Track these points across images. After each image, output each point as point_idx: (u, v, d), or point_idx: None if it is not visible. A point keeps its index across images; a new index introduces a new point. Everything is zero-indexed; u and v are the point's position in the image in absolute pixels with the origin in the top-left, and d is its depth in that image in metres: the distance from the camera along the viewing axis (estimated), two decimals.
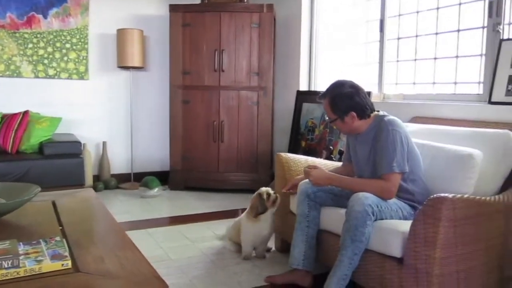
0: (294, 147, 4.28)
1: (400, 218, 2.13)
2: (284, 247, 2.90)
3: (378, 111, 2.29)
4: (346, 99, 2.20)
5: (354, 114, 2.21)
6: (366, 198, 2.02)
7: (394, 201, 2.14)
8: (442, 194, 1.79)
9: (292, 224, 2.59)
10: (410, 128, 2.83)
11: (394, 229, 1.96)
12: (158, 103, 4.94)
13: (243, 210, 2.83)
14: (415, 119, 3.02)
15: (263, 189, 2.71)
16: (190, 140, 4.53)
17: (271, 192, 2.69)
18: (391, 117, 2.22)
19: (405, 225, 1.95)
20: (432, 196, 1.79)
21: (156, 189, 4.36)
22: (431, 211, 1.77)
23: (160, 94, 4.92)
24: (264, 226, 2.71)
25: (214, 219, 3.61)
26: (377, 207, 2.04)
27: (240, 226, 2.77)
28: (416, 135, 2.57)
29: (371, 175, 2.22)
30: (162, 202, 4.22)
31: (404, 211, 2.15)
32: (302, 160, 2.86)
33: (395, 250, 1.94)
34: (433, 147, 2.37)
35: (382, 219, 2.07)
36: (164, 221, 3.63)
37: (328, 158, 3.71)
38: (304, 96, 4.27)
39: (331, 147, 3.83)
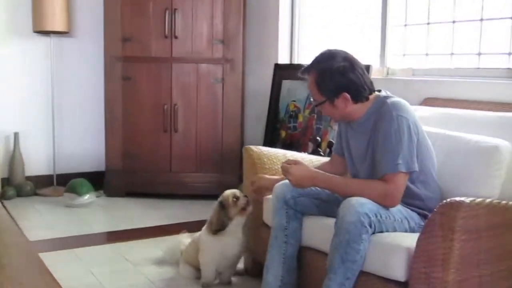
0: (271, 139, 4.28)
1: (406, 231, 2.15)
2: (256, 270, 2.89)
3: (379, 90, 2.31)
4: (337, 75, 2.20)
5: (348, 96, 2.21)
6: (361, 205, 2.03)
7: (398, 209, 2.16)
8: (458, 198, 1.80)
9: (266, 240, 2.58)
10: (420, 112, 2.85)
11: (396, 245, 1.97)
12: (90, 81, 4.86)
13: (204, 222, 2.82)
14: (427, 101, 3.04)
15: (228, 192, 2.69)
16: (133, 130, 4.49)
17: (240, 194, 2.67)
18: (396, 99, 2.22)
19: (411, 239, 1.96)
20: (444, 201, 1.81)
21: (87, 196, 4.31)
22: (443, 220, 1.78)
23: (92, 69, 4.84)
24: (232, 244, 2.70)
25: (164, 235, 3.58)
26: (376, 216, 2.05)
27: (199, 245, 2.76)
28: (428, 121, 2.59)
29: (369, 176, 2.23)
30: (95, 213, 4.17)
31: (411, 222, 2.17)
32: (280, 155, 2.86)
33: (398, 272, 1.95)
34: (449, 137, 2.39)
35: (382, 231, 2.08)
36: (97, 238, 3.59)
37: (315, 152, 3.73)
38: (284, 72, 4.27)
39: (318, 138, 3.84)
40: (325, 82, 2.22)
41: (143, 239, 3.52)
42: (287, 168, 2.27)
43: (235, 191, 2.68)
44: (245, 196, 2.67)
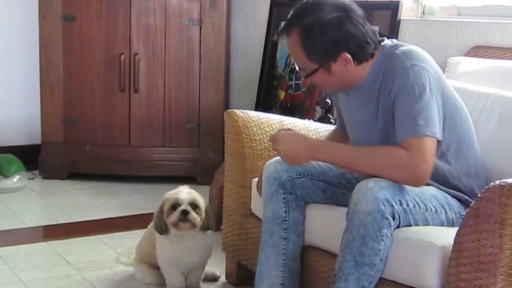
0: (265, 102, 4.28)
1: (442, 224, 2.16)
2: (242, 276, 2.92)
3: (383, 39, 2.29)
4: (330, 30, 2.18)
5: (348, 56, 2.20)
6: (381, 189, 2.03)
7: (432, 193, 2.17)
8: (511, 180, 1.80)
9: (254, 236, 2.60)
10: (465, 66, 2.85)
11: (427, 243, 1.98)
12: (18, 22, 4.84)
13: None
14: (476, 50, 3.05)
15: (171, 197, 2.66)
16: (77, 90, 4.49)
17: (182, 204, 2.61)
18: (408, 46, 2.22)
19: (447, 236, 1.98)
20: (492, 184, 1.81)
21: (15, 178, 4.33)
22: (490, 209, 1.78)
23: (20, 4, 4.82)
24: (189, 246, 2.72)
25: (119, 230, 3.59)
26: (401, 204, 2.06)
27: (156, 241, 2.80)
28: (477, 77, 2.61)
29: None
30: (27, 200, 4.18)
31: (449, 212, 2.19)
32: (275, 122, 2.86)
33: (430, 278, 1.96)
34: (504, 97, 2.40)
35: (410, 225, 2.09)
36: (29, 234, 3.59)
37: (324, 119, 3.71)
38: (284, 10, 4.22)
39: (328, 101, 3.82)
40: (315, 42, 2.20)
41: (90, 236, 3.52)
42: (276, 138, 2.27)
43: (179, 198, 2.64)
44: (185, 211, 2.60)
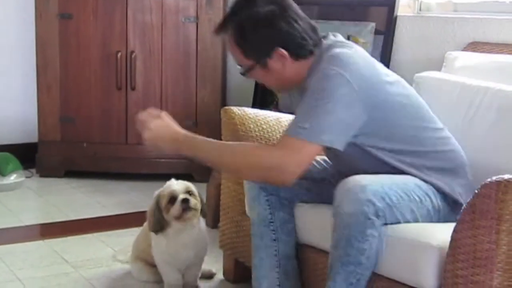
0: (263, 99, 4.28)
1: (429, 213, 2.14)
2: (240, 274, 2.92)
3: (325, 35, 2.25)
4: (262, 26, 2.17)
5: (284, 51, 2.18)
6: (363, 189, 2.01)
7: (416, 181, 2.16)
8: (507, 176, 1.79)
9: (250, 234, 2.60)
10: (462, 60, 2.85)
11: (424, 241, 1.99)
12: (14, 20, 4.83)
13: None
14: (472, 46, 3.05)
15: (166, 190, 2.66)
16: (74, 88, 4.49)
17: (180, 195, 2.62)
18: (338, 49, 2.16)
19: (443, 233, 1.97)
20: (489, 180, 1.81)
21: (13, 176, 4.33)
22: (487, 205, 1.78)
23: (16, 2, 4.81)
24: (184, 244, 2.71)
25: (116, 228, 3.60)
26: (384, 200, 2.03)
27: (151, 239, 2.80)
28: (474, 71, 2.62)
29: (350, 165, 2.21)
30: (24, 198, 4.17)
31: (436, 199, 2.17)
32: (272, 119, 2.85)
33: (427, 277, 1.97)
34: (501, 92, 2.41)
35: (397, 219, 2.08)
36: (26, 232, 3.60)
37: None
38: None
39: None
40: (248, 39, 2.19)
41: (87, 234, 3.52)
42: (146, 120, 2.27)
43: (175, 190, 2.64)
44: (185, 199, 2.61)
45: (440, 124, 2.29)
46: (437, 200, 2.17)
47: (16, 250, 3.30)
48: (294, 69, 2.21)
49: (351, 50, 2.16)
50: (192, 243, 2.74)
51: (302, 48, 2.19)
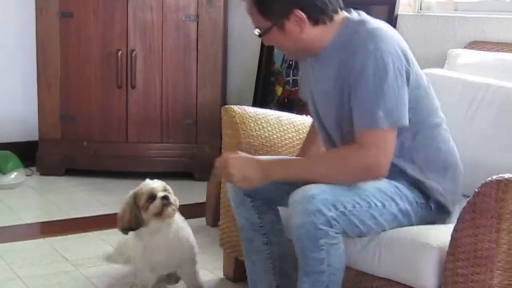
0: (263, 97, 4.27)
1: (395, 217, 2.11)
2: (240, 272, 2.91)
3: (349, 10, 2.22)
4: None
5: (302, 13, 2.12)
6: (310, 199, 1.98)
7: (378, 185, 2.10)
8: (507, 175, 1.80)
9: None
10: (463, 59, 2.85)
11: (423, 241, 1.99)
12: (15, 18, 4.83)
13: None
14: (473, 45, 3.06)
15: (144, 188, 2.66)
16: (75, 86, 4.49)
17: (159, 193, 2.61)
18: (374, 24, 2.14)
19: (443, 232, 1.98)
20: (489, 179, 1.81)
21: (13, 175, 4.33)
22: (487, 204, 1.79)
23: (17, 1, 4.81)
24: (159, 244, 2.66)
25: (115, 226, 3.53)
26: (336, 209, 1.99)
27: None
28: (476, 69, 2.62)
29: (341, 136, 2.17)
30: (25, 197, 4.18)
31: (403, 202, 2.11)
32: (273, 118, 2.85)
33: (427, 276, 1.97)
34: (503, 88, 2.41)
35: (355, 226, 2.04)
36: (26, 230, 3.60)
37: None
38: None
39: None
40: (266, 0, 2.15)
41: (87, 232, 3.53)
42: (224, 163, 2.17)
43: (154, 188, 2.64)
44: (165, 196, 2.61)
45: (445, 125, 2.26)
46: (404, 203, 2.12)
47: (16, 248, 3.30)
48: (312, 35, 2.15)
49: (381, 26, 2.13)
50: (168, 243, 2.68)
51: (322, 12, 2.13)
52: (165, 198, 2.60)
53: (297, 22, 2.13)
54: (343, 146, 2.12)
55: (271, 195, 2.33)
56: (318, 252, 2.00)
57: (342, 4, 2.19)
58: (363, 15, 2.19)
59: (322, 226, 1.97)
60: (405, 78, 2.06)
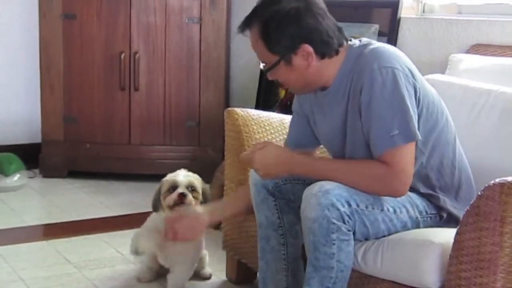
0: (266, 100, 4.27)
1: (405, 224, 2.15)
2: (243, 275, 2.92)
3: (350, 39, 2.25)
4: (288, 22, 2.14)
5: (309, 48, 2.15)
6: (325, 194, 2.01)
7: None
8: (511, 178, 1.79)
9: (255, 236, 2.57)
10: (466, 63, 2.85)
11: (426, 242, 1.99)
12: (18, 20, 4.83)
13: None
14: (476, 48, 3.05)
15: (171, 178, 2.70)
16: (78, 88, 4.49)
17: (180, 186, 2.66)
18: (376, 44, 2.17)
19: (445, 234, 1.98)
20: (492, 182, 1.81)
21: (16, 177, 4.33)
22: (490, 207, 1.79)
23: (21, 3, 4.81)
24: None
25: (119, 229, 3.60)
26: (350, 205, 2.03)
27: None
28: (478, 74, 2.62)
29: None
30: (27, 199, 4.18)
31: (414, 211, 2.16)
32: (275, 121, 2.86)
33: (429, 277, 1.97)
34: (505, 94, 2.41)
35: (366, 225, 2.08)
36: (29, 232, 3.60)
37: None
38: None
39: None
40: (274, 34, 2.16)
41: (90, 235, 3.53)
42: (249, 156, 2.23)
43: (177, 181, 2.68)
44: (183, 194, 2.63)
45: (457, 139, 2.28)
46: (415, 212, 2.17)
47: (19, 250, 3.31)
48: (318, 69, 2.18)
49: (382, 45, 2.16)
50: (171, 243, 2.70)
51: (328, 46, 2.16)
52: (183, 195, 2.65)
53: (304, 56, 2.16)
54: (370, 161, 2.12)
55: (295, 196, 2.34)
56: (329, 247, 2.02)
57: (346, 36, 2.22)
58: (365, 40, 2.22)
59: (335, 221, 2.00)
60: (413, 92, 2.09)
